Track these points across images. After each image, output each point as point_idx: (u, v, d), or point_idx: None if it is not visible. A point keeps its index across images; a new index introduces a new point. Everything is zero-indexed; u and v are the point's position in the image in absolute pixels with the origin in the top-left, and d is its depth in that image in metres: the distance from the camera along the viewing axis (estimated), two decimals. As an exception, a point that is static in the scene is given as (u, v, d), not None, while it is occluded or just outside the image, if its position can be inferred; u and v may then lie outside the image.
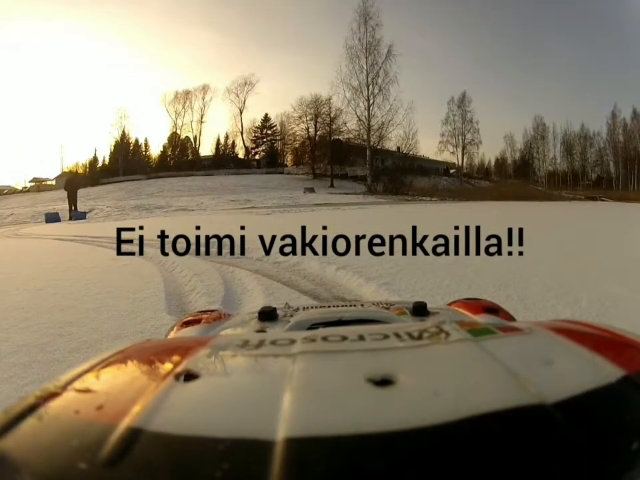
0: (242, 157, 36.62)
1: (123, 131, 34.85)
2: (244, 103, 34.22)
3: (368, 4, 29.32)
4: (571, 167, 33.81)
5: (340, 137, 31.97)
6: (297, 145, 34.83)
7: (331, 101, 31.16)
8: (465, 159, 34.35)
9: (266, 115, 35.30)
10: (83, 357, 1.68)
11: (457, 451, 0.19)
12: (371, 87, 29.48)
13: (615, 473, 0.18)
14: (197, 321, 0.71)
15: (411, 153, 32.45)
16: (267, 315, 0.62)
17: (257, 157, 36.87)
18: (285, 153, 36.81)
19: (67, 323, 2.27)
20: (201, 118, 34.76)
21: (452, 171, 36.07)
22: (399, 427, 0.20)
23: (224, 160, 35.34)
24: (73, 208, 14.68)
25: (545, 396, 0.22)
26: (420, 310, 0.62)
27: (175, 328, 0.72)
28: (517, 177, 34.05)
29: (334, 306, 0.74)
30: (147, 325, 2.22)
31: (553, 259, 3.63)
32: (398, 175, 28.03)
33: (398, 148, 32.03)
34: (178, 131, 35.37)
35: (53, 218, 13.64)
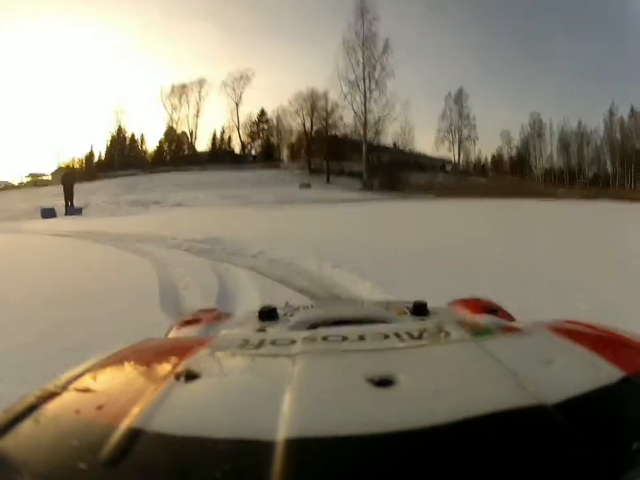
0: (238, 152, 36.45)
1: (119, 126, 34.60)
2: (240, 96, 33.97)
3: (365, -3, 29.15)
4: (568, 164, 33.83)
5: (336, 132, 31.91)
6: (293, 140, 34.74)
7: (328, 94, 31.06)
8: (462, 155, 34.41)
9: (262, 109, 35.10)
10: (79, 356, 1.67)
11: (456, 452, 0.19)
12: (367, 81, 29.43)
13: (615, 473, 0.18)
14: (197, 321, 0.70)
15: (407, 148, 32.50)
16: (267, 315, 0.61)
17: (253, 151, 36.72)
18: (281, 148, 36.69)
19: (61, 321, 2.25)
20: (197, 112, 34.54)
21: (448, 167, 36.07)
22: (399, 427, 0.20)
23: (220, 155, 35.14)
24: (69, 203, 14.61)
25: (545, 397, 0.22)
26: (420, 310, 0.62)
27: (175, 328, 0.71)
28: (514, 174, 34.05)
29: (334, 306, 0.73)
30: (143, 323, 2.21)
31: (553, 259, 3.64)
32: (394, 170, 28.02)
33: (394, 144, 32.04)
34: (174, 126, 35.16)
35: (48, 213, 13.57)
